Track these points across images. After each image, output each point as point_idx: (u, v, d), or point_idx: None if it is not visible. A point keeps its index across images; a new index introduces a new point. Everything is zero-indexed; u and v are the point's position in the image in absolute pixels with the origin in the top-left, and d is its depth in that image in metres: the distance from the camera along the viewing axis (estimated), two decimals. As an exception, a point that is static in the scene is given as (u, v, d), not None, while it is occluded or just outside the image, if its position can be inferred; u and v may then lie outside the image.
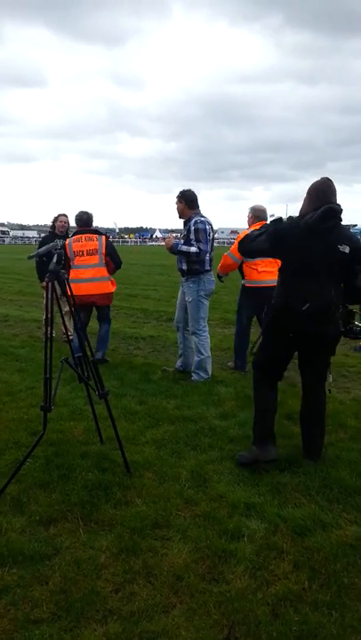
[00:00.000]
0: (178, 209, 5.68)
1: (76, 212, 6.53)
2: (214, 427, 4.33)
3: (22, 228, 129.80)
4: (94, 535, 2.85)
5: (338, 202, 3.49)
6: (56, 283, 3.41)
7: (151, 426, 4.35)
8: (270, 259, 5.44)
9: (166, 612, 2.32)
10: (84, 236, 6.26)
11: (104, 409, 3.65)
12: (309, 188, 3.54)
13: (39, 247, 7.25)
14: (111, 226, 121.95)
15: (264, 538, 2.83)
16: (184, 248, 5.49)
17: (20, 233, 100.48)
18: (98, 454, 3.75)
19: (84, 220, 6.44)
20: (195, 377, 5.67)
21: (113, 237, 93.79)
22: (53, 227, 7.61)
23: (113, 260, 6.26)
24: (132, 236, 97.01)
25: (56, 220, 7.59)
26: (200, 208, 5.68)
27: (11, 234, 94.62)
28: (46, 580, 2.50)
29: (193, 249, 5.44)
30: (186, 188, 5.68)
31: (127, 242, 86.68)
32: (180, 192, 5.62)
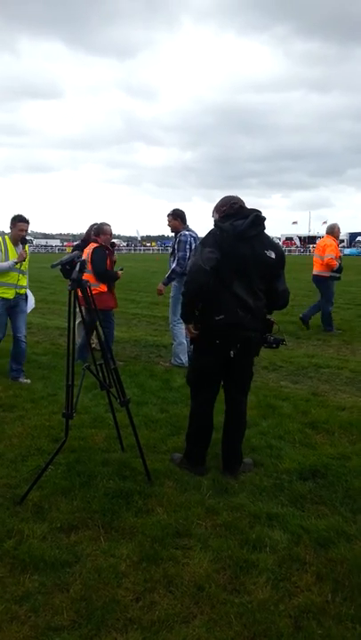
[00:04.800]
0: (172, 225, 6.62)
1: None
2: (236, 435, 4.29)
3: (45, 236, 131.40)
4: (115, 543, 2.85)
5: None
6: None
7: (172, 434, 4.34)
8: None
9: (187, 622, 2.30)
10: (90, 244, 6.79)
11: (125, 416, 3.65)
12: (219, 203, 3.67)
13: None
14: (133, 234, 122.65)
15: (286, 549, 2.79)
16: (171, 272, 6.63)
17: (43, 242, 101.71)
18: (119, 462, 3.75)
19: (95, 230, 6.93)
20: (172, 361, 6.77)
21: (135, 245, 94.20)
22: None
23: (92, 266, 6.39)
24: (153, 244, 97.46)
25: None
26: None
27: (34, 242, 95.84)
28: (67, 587, 2.50)
29: (173, 265, 6.58)
30: (175, 208, 6.68)
31: (149, 250, 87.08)
32: (173, 210, 6.64)
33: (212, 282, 3.39)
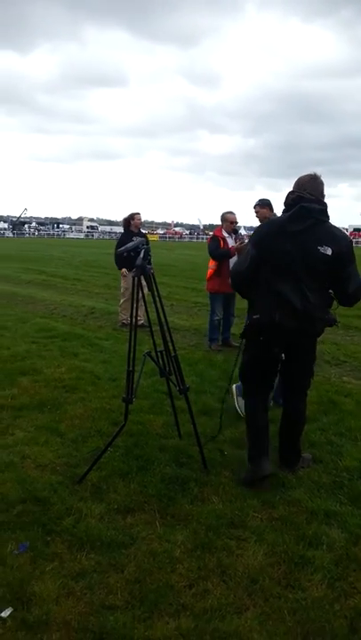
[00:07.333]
0: (261, 214, 6.42)
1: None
2: (295, 429, 4.22)
3: (110, 223, 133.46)
4: (170, 529, 2.87)
5: (321, 199, 3.27)
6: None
7: (230, 424, 4.32)
8: None
9: (239, 613, 2.29)
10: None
11: (184, 404, 3.66)
12: (294, 183, 3.37)
13: (118, 245, 7.89)
14: (195, 222, 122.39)
15: (344, 548, 2.72)
16: None
17: (107, 228, 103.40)
18: (176, 448, 3.78)
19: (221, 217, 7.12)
20: None
21: (198, 234, 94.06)
22: (128, 224, 8.26)
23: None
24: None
25: (132, 217, 8.23)
26: None
27: (99, 229, 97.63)
28: (122, 568, 2.55)
29: None
30: (262, 197, 6.51)
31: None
32: (261, 200, 6.38)
33: (250, 277, 3.33)
